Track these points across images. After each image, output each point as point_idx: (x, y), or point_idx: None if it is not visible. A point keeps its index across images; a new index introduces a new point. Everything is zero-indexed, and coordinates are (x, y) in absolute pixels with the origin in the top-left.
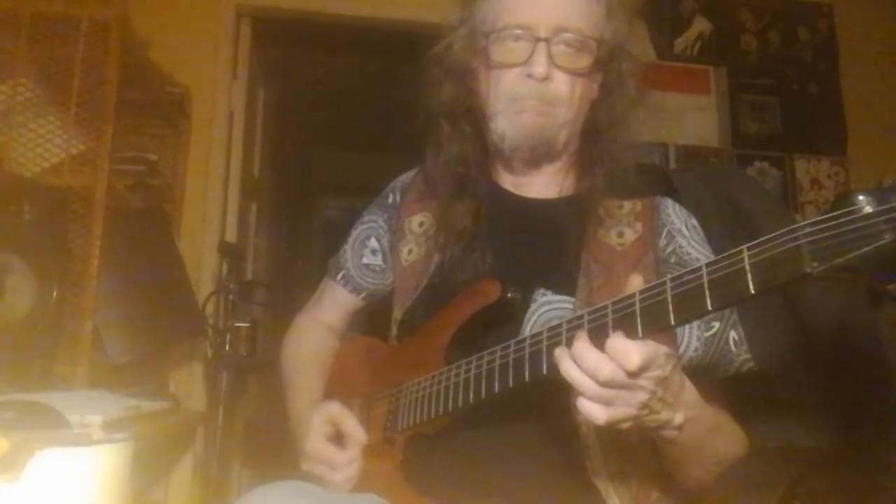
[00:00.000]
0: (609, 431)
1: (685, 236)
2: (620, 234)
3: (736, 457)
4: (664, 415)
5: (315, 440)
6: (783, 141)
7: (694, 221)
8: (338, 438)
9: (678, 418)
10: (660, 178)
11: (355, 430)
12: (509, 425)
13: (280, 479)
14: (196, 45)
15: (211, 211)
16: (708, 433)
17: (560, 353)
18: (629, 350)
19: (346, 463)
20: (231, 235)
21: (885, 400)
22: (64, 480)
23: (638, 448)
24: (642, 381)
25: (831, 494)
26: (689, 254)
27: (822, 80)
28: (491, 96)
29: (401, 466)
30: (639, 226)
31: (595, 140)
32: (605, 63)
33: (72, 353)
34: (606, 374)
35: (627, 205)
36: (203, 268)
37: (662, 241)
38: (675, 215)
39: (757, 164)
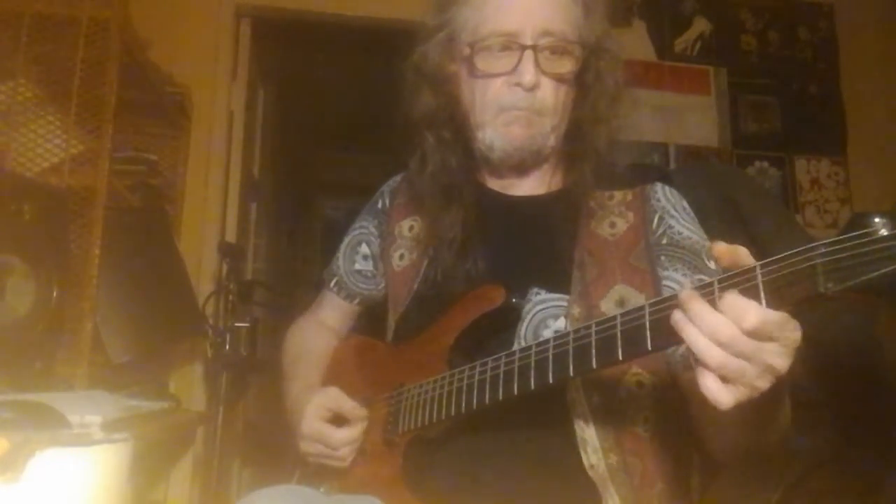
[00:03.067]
0: (608, 427)
1: (674, 217)
2: (612, 225)
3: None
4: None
5: (312, 421)
6: (783, 141)
7: (685, 203)
8: (336, 422)
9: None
10: (650, 168)
11: (355, 410)
12: (510, 428)
13: (278, 482)
14: (196, 45)
15: (211, 211)
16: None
17: (680, 318)
18: (745, 307)
19: (344, 441)
20: (231, 235)
21: (884, 399)
22: (64, 480)
23: (640, 441)
24: (770, 357)
25: (831, 494)
26: (679, 233)
27: (822, 80)
28: (476, 106)
29: (401, 469)
30: (630, 215)
31: (579, 138)
32: (584, 62)
33: (72, 353)
34: (727, 334)
35: (618, 195)
36: (203, 268)
37: (654, 226)
38: (666, 199)
39: (757, 164)
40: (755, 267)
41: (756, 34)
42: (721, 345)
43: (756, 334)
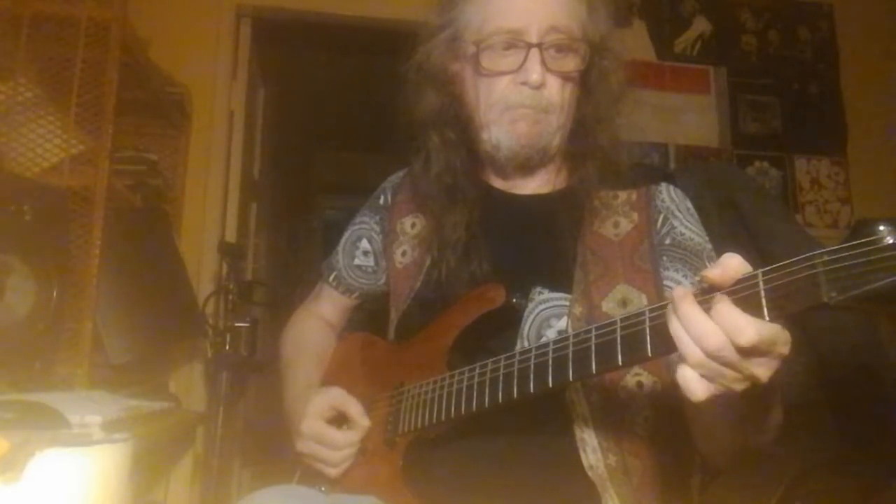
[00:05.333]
0: (607, 427)
1: (678, 217)
2: (616, 225)
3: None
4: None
5: (313, 420)
6: (783, 141)
7: (688, 204)
8: (337, 422)
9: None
10: (656, 169)
11: (360, 416)
12: (509, 429)
13: (278, 482)
14: (196, 45)
15: (211, 211)
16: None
17: (668, 314)
18: (743, 323)
19: (344, 444)
20: (231, 235)
21: (885, 400)
22: (64, 481)
23: (639, 441)
24: (755, 368)
25: (831, 494)
26: (682, 234)
27: (822, 80)
28: (482, 105)
29: (401, 469)
30: (634, 215)
31: (583, 137)
32: (588, 60)
33: (72, 353)
34: (714, 344)
35: (623, 195)
36: (203, 268)
37: (658, 226)
38: (671, 199)
39: (757, 164)
40: (757, 274)
41: (756, 34)
42: (707, 352)
43: (750, 351)
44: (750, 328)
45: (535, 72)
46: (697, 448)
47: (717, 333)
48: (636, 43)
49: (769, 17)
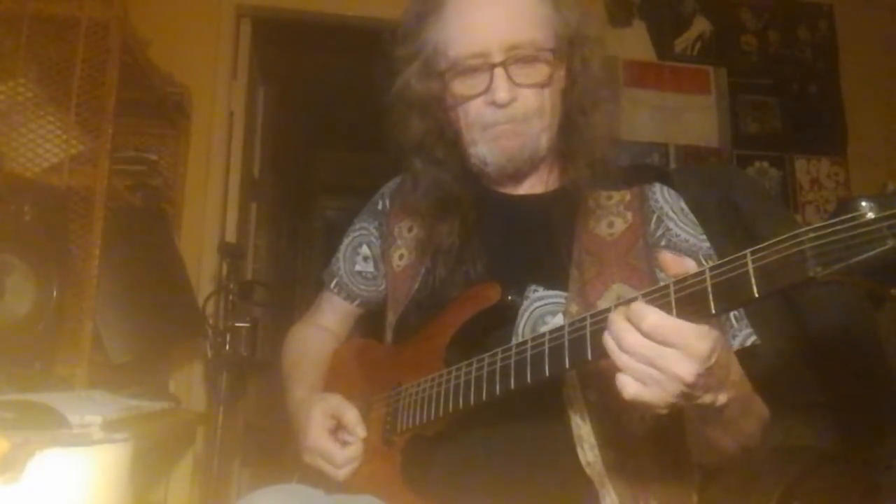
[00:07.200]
0: (604, 424)
1: (673, 219)
2: (610, 225)
3: (759, 432)
4: (707, 398)
5: (317, 435)
6: (783, 141)
7: (682, 204)
8: (338, 431)
9: (721, 399)
10: (649, 169)
11: (357, 426)
12: (507, 426)
13: (278, 482)
14: (196, 45)
15: (211, 211)
16: (744, 412)
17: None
18: (644, 311)
19: (347, 460)
20: (231, 235)
21: (885, 400)
22: (64, 480)
23: (637, 438)
24: (674, 364)
25: (831, 494)
26: (677, 235)
27: (822, 80)
28: (463, 126)
29: (400, 468)
30: (629, 215)
31: (572, 130)
32: (567, 52)
33: (72, 353)
34: (628, 341)
35: (616, 195)
36: (203, 268)
37: (652, 227)
38: (664, 199)
39: (757, 164)
40: (746, 254)
41: (756, 34)
42: (624, 350)
43: (652, 336)
44: (649, 314)
45: (501, 90)
46: (691, 448)
47: (630, 330)
48: (636, 43)
49: (769, 17)
